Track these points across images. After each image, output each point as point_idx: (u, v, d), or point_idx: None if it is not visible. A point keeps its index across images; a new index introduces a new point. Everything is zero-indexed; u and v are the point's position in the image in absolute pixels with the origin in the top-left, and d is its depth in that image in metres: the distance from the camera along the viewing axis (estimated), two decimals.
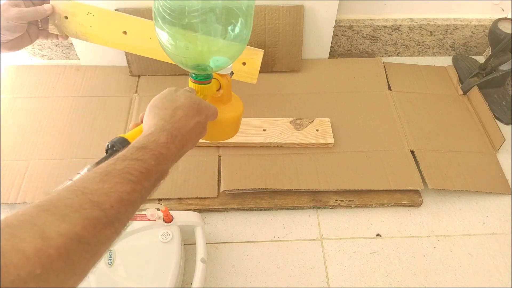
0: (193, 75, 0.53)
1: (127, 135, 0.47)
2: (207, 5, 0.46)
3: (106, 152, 0.45)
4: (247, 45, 0.80)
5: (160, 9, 0.47)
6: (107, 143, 0.45)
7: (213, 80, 0.55)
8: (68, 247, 0.29)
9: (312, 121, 0.82)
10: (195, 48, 0.50)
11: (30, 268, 0.26)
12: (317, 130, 0.81)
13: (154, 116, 0.46)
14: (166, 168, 0.43)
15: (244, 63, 0.79)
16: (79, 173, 0.41)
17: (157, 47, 0.75)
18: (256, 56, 0.79)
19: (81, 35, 0.76)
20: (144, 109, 0.92)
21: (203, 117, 0.49)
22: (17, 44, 0.59)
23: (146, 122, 0.47)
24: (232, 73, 0.60)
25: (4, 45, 0.58)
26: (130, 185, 0.36)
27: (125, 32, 0.76)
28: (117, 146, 0.45)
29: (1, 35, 0.55)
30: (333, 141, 0.79)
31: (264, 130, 0.81)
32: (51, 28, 0.70)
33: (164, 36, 0.50)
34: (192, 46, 0.50)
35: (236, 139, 0.79)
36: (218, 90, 0.57)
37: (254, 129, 0.81)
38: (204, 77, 0.53)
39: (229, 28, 0.49)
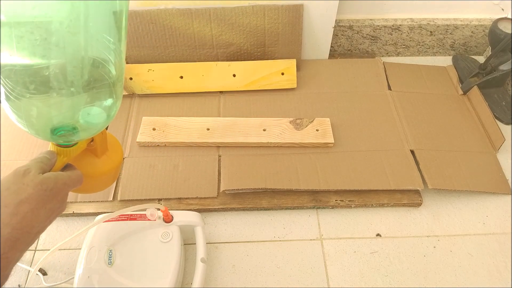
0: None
1: None
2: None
3: None
4: (281, 58, 0.90)
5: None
6: None
7: None
8: None
9: (312, 121, 0.82)
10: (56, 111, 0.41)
11: None
12: (317, 130, 0.81)
13: None
14: (3, 280, 0.38)
15: (282, 73, 0.90)
16: None
17: (208, 81, 0.88)
18: (291, 65, 0.90)
19: (146, 89, 0.88)
20: (144, 109, 0.92)
21: (60, 197, 0.42)
22: None
23: None
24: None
25: None
26: None
27: (181, 77, 0.88)
28: None
29: None
30: (333, 141, 0.79)
31: (264, 130, 0.81)
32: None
33: (11, 112, 0.41)
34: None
35: (236, 139, 0.79)
36: (90, 142, 0.48)
37: (254, 129, 0.81)
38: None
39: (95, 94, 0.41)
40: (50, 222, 0.42)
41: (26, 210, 0.39)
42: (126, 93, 0.87)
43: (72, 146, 0.46)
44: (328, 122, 0.83)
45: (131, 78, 0.87)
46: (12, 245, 0.38)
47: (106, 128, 0.50)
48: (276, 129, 0.81)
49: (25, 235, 0.39)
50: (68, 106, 0.40)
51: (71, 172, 0.46)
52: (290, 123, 0.82)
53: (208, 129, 0.81)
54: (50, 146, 0.46)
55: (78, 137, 0.44)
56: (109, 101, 0.43)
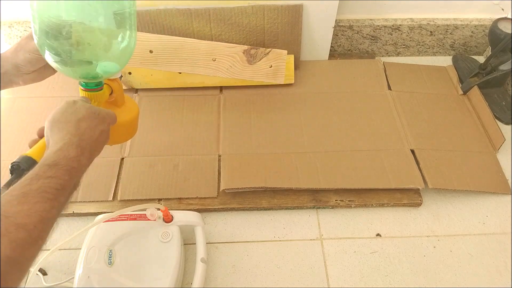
0: (83, 83, 0.53)
1: (31, 153, 0.47)
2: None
3: (12, 173, 0.45)
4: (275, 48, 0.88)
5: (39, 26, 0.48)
6: (11, 164, 0.45)
7: (104, 85, 0.55)
8: (2, 270, 0.32)
9: (268, 54, 0.77)
10: (81, 54, 0.50)
11: None
12: (270, 67, 0.76)
13: (58, 131, 0.46)
14: (78, 180, 0.45)
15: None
16: None
17: (206, 76, 0.85)
18: (288, 61, 0.88)
19: (144, 84, 0.88)
20: (144, 108, 0.92)
21: (105, 125, 0.50)
22: (40, 75, 0.58)
23: (51, 138, 0.46)
24: (121, 76, 0.63)
25: (28, 77, 0.58)
26: (48, 203, 0.39)
27: (180, 72, 0.87)
28: (23, 165, 0.45)
29: (23, 66, 0.56)
30: (283, 82, 0.75)
31: (214, 60, 0.77)
32: None
33: (46, 50, 0.50)
34: (77, 52, 0.50)
35: (182, 68, 0.77)
36: (110, 94, 0.57)
37: (203, 57, 0.76)
38: (95, 85, 0.53)
39: (116, 34, 0.50)
40: (101, 147, 0.50)
41: (85, 126, 0.47)
42: (126, 88, 0.88)
43: (98, 90, 0.54)
44: (284, 56, 0.77)
45: (130, 73, 0.87)
46: (81, 152, 0.45)
47: (120, 79, 0.59)
48: (226, 61, 0.76)
49: (87, 147, 0.46)
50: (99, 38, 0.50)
51: (108, 110, 0.53)
52: (243, 53, 0.77)
53: (151, 52, 0.77)
54: (80, 93, 0.54)
55: (100, 77, 0.53)
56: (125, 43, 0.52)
